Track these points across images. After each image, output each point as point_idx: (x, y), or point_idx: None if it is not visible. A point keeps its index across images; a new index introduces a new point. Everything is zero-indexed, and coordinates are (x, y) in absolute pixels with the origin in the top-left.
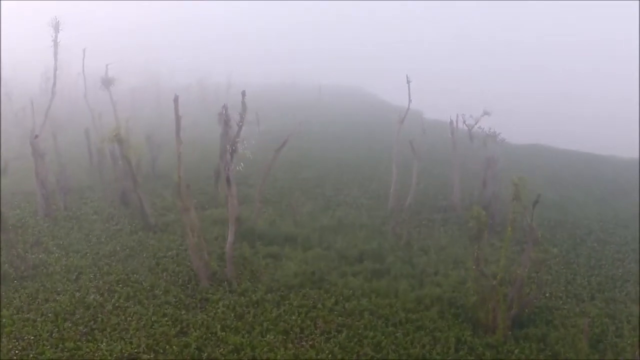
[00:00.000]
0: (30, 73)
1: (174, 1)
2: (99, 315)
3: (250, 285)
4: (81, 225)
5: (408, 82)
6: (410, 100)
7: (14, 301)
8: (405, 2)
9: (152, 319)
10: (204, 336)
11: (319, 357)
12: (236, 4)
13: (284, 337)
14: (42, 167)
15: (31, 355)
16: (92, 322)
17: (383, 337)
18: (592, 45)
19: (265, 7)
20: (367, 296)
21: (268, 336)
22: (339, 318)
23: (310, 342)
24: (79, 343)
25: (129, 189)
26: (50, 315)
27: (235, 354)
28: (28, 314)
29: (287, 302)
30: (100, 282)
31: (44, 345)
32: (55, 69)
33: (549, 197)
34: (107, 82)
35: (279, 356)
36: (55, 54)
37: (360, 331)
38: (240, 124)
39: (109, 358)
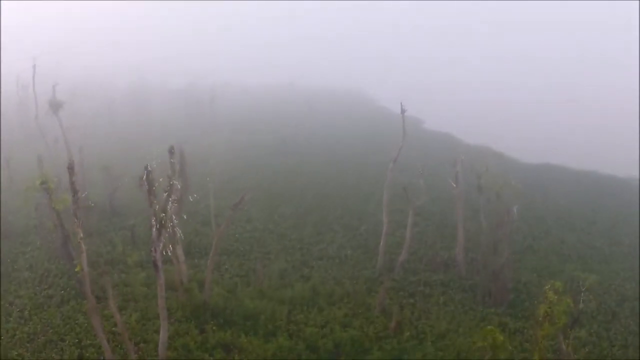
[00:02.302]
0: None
1: (174, 1)
2: None
3: None
4: (7, 288)
5: (403, 111)
6: (405, 133)
7: None
8: (406, 2)
9: None
10: None
11: None
12: (235, 4)
13: None
14: None
15: None
16: None
17: None
18: (590, 46)
19: (264, 7)
20: None
21: None
22: None
23: None
24: None
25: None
26: None
27: None
28: None
29: None
30: None
31: None
32: None
33: (569, 243)
34: (55, 106)
35: None
36: None
37: None
38: (169, 192)
39: None
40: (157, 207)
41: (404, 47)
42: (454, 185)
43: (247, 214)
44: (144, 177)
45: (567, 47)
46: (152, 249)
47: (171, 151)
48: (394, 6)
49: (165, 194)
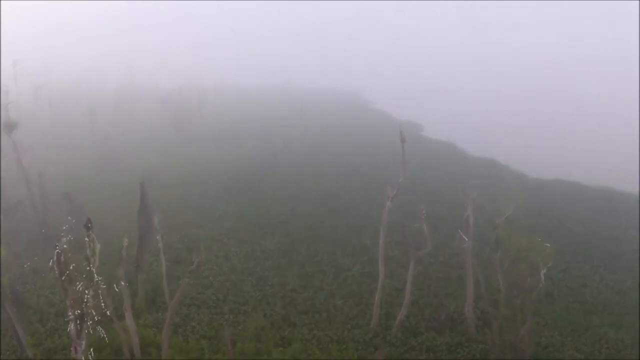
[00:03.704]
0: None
1: (167, 1)
2: None
3: None
4: None
5: (402, 140)
6: (405, 167)
7: None
8: (407, 2)
9: None
10: None
11: None
12: (232, 4)
13: None
14: None
15: None
16: None
17: None
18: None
19: (262, 7)
20: None
21: None
22: None
23: None
24: None
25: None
26: None
27: None
28: None
29: None
30: None
31: None
32: None
33: (592, 286)
34: (8, 127)
35: None
36: None
37: None
38: (85, 281)
39: None
40: (75, 296)
41: (399, 48)
42: (466, 240)
43: (225, 247)
44: (53, 261)
45: (568, 47)
46: (72, 348)
47: (87, 226)
48: (390, 6)
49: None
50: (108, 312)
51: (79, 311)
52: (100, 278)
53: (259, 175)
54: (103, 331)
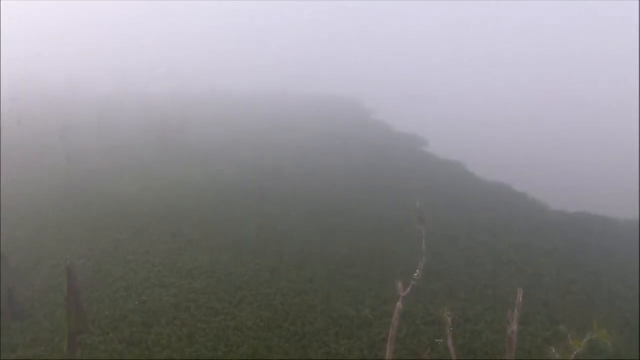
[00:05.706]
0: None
1: (163, 1)
2: None
3: None
4: None
5: (420, 221)
6: (422, 262)
7: None
8: (409, 3)
9: None
10: None
11: None
12: (231, 4)
13: None
14: None
15: None
16: None
17: None
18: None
19: (260, 8)
20: None
21: None
22: None
23: None
24: None
25: None
26: None
27: None
28: None
29: None
30: None
31: None
32: None
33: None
34: None
35: None
36: None
37: None
38: None
39: None
40: None
41: (399, 50)
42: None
43: (192, 322)
44: None
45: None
46: None
47: None
48: (388, 9)
49: None
50: None
51: None
52: None
53: (242, 208)
54: None
